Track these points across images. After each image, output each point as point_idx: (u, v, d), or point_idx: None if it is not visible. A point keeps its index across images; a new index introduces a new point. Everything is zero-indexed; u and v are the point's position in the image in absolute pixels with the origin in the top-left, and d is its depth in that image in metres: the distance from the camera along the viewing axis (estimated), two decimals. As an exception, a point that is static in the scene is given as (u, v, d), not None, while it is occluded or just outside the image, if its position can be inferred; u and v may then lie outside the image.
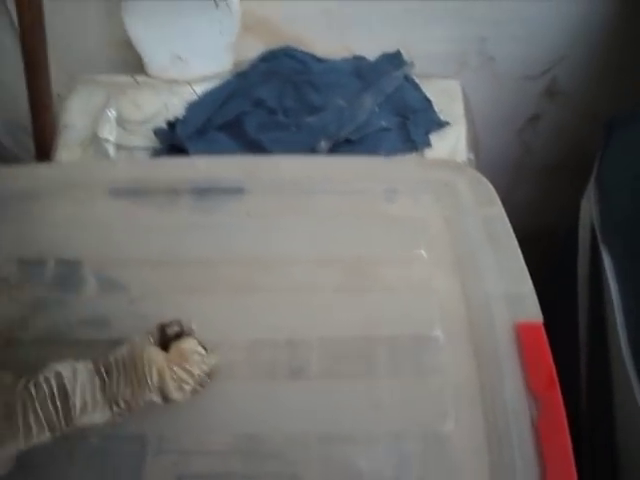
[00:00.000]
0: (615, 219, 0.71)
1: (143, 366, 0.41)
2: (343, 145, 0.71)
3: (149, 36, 0.76)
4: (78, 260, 0.51)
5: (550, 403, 0.43)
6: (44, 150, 0.77)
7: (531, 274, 0.90)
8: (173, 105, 0.76)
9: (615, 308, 0.65)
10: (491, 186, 0.55)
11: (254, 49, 0.80)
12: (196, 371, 0.42)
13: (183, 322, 0.44)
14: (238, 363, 0.46)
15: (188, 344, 0.42)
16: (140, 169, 0.57)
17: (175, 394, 0.41)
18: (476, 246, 0.49)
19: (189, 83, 0.77)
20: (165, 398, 0.41)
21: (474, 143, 0.77)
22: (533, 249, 0.91)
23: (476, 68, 0.86)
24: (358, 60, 0.79)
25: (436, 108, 0.75)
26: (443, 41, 0.84)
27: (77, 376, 0.40)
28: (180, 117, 0.72)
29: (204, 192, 0.54)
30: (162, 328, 0.44)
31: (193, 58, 0.77)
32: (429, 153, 0.73)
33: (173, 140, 0.71)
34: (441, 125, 0.74)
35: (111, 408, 0.41)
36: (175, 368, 0.41)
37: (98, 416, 0.41)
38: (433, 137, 0.74)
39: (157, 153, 0.72)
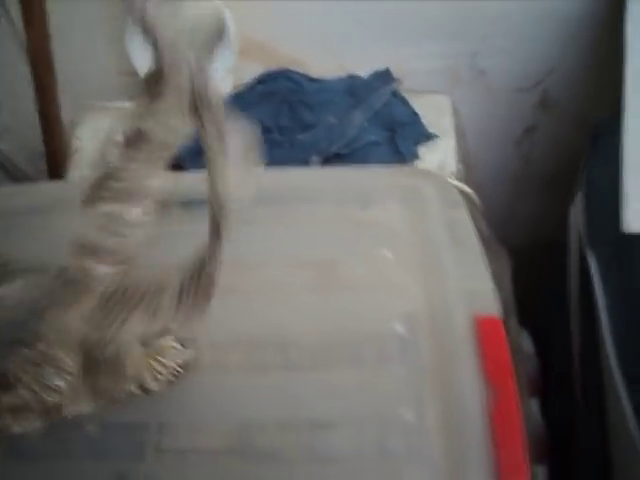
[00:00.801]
0: (600, 225, 0.73)
1: (119, 357, 0.45)
2: (334, 159, 0.74)
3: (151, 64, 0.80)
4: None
5: (504, 391, 0.46)
6: (57, 173, 0.82)
7: (533, 284, 0.92)
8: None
9: (601, 313, 0.67)
10: (456, 190, 0.58)
11: (252, 72, 0.84)
12: (170, 363, 0.46)
13: None
14: (223, 358, 0.49)
15: (165, 340, 0.46)
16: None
17: (151, 384, 0.45)
18: (439, 247, 0.52)
19: (191, 106, 0.81)
20: (142, 388, 0.45)
21: (464, 155, 0.80)
22: (535, 259, 0.94)
23: (469, 82, 0.89)
24: (351, 79, 0.82)
25: (425, 122, 0.78)
26: (435, 57, 0.87)
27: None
28: (180, 138, 0.76)
29: (190, 204, 0.57)
30: None
31: (194, 83, 0.81)
32: (418, 165, 0.76)
33: (174, 160, 0.75)
34: (429, 138, 0.77)
35: (94, 398, 0.45)
36: (150, 361, 0.45)
37: (84, 406, 0.45)
38: (422, 150, 0.77)
39: (159, 173, 0.76)
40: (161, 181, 0.41)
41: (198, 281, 0.45)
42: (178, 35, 0.43)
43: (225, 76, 0.82)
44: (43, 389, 0.44)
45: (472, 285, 0.50)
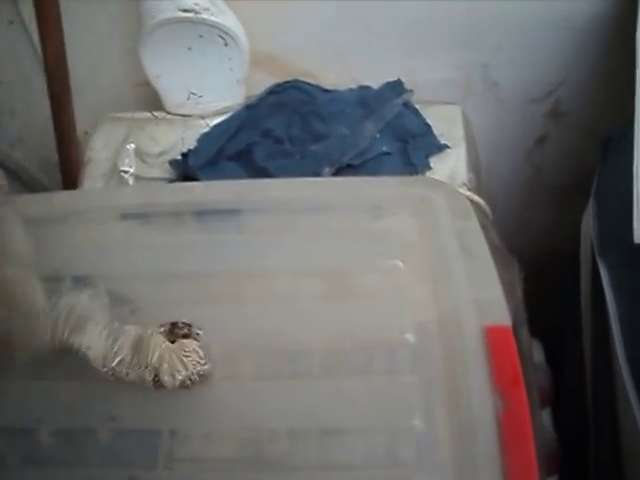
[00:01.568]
0: (611, 234, 0.73)
1: (147, 345, 0.46)
2: (346, 170, 0.74)
3: (165, 75, 0.81)
4: (92, 277, 0.55)
5: (514, 400, 0.46)
6: (71, 183, 0.83)
7: (545, 294, 0.92)
8: (188, 138, 0.81)
9: (612, 321, 0.67)
10: (467, 201, 0.58)
11: (264, 83, 0.85)
12: (190, 367, 0.46)
13: (192, 326, 0.49)
14: (234, 367, 0.50)
15: (190, 343, 0.47)
16: (147, 195, 0.61)
17: (166, 378, 0.46)
18: (449, 256, 0.52)
19: (203, 118, 0.82)
20: (156, 380, 0.46)
21: (475, 164, 0.80)
22: (547, 269, 0.94)
23: (481, 93, 0.90)
24: (363, 89, 0.82)
25: (436, 132, 0.79)
26: (447, 68, 0.88)
27: None
28: (192, 148, 0.77)
29: (203, 214, 0.58)
30: (172, 325, 0.49)
31: (207, 94, 0.82)
32: (430, 175, 0.76)
33: (186, 170, 0.76)
34: (441, 148, 0.77)
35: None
36: (173, 355, 0.46)
37: None
38: (433, 160, 0.77)
39: (171, 182, 0.77)
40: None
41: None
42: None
43: (237, 87, 0.83)
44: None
45: (482, 294, 0.50)
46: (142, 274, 0.55)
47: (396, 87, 0.81)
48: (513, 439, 0.45)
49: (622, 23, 0.81)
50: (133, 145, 0.81)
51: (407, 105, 0.79)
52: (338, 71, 0.86)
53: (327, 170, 0.74)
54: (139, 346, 0.47)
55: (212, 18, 0.77)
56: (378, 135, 0.76)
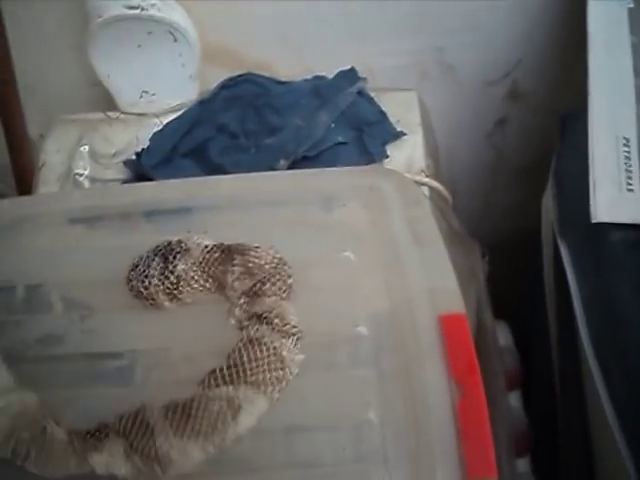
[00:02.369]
0: (570, 214, 0.73)
1: None
2: (301, 162, 0.74)
3: (115, 74, 0.80)
4: (44, 284, 0.54)
5: (470, 388, 0.46)
6: (26, 188, 0.81)
7: (511, 275, 0.92)
8: (143, 137, 0.80)
9: (574, 301, 0.67)
10: (418, 188, 0.58)
11: (218, 77, 0.84)
12: None
13: None
14: (176, 368, 0.49)
15: None
16: (96, 197, 0.60)
17: None
18: (401, 246, 0.52)
19: (157, 116, 0.81)
20: None
21: (432, 150, 0.80)
22: (512, 250, 0.94)
23: (437, 78, 0.89)
24: (317, 79, 0.82)
25: (392, 119, 0.78)
26: (401, 54, 0.87)
27: None
28: (145, 147, 0.76)
29: (153, 214, 0.57)
30: None
31: (159, 92, 0.81)
32: (387, 163, 0.75)
33: (140, 170, 0.75)
34: (397, 135, 0.76)
35: None
36: None
37: None
38: (390, 148, 0.76)
39: (125, 182, 0.76)
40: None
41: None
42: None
43: (189, 83, 0.82)
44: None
45: (436, 283, 0.50)
46: (93, 279, 0.54)
47: (350, 76, 0.80)
48: (470, 428, 0.44)
49: (573, 1, 0.81)
50: (87, 147, 0.79)
51: (361, 93, 0.78)
52: (292, 61, 0.86)
53: (282, 163, 0.73)
54: None
55: (160, 14, 0.76)
56: (333, 125, 0.76)
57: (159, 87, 0.81)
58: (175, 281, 0.50)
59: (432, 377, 0.46)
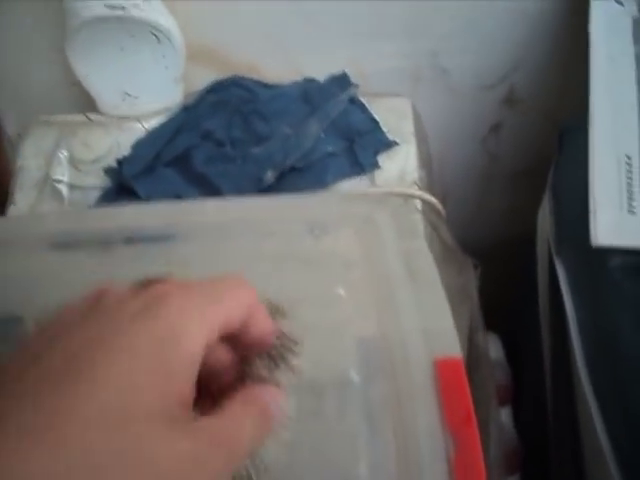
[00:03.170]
0: (567, 230, 0.70)
1: None
2: (290, 173, 0.71)
3: (95, 75, 0.76)
4: (18, 317, 0.51)
5: (466, 440, 0.43)
6: (2, 194, 0.78)
7: (504, 285, 0.90)
8: (124, 143, 0.76)
9: (570, 322, 0.65)
10: (414, 217, 0.55)
11: (203, 79, 0.80)
12: None
13: None
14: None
15: None
16: (74, 220, 0.57)
17: None
18: (396, 282, 0.49)
19: (139, 120, 0.78)
20: None
21: (426, 160, 0.77)
22: (505, 259, 0.92)
23: (431, 82, 0.86)
24: (307, 83, 0.78)
25: (385, 128, 0.75)
26: (395, 57, 0.84)
27: None
28: (127, 155, 0.73)
29: (133, 241, 0.54)
30: None
31: (142, 94, 0.78)
32: (378, 174, 0.73)
33: (121, 180, 0.72)
34: (389, 145, 0.73)
35: None
36: None
37: None
38: (382, 158, 0.74)
39: (108, 192, 0.72)
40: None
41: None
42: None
43: (173, 85, 0.78)
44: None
45: (431, 324, 0.47)
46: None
47: (341, 81, 0.77)
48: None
49: (574, 7, 0.78)
50: (65, 152, 0.76)
51: (353, 100, 0.75)
52: (281, 63, 0.82)
53: (270, 174, 0.70)
54: None
55: (142, 14, 0.72)
56: (323, 134, 0.73)
57: (142, 90, 0.78)
58: None
59: (426, 428, 0.44)
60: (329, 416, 0.45)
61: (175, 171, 0.72)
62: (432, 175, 0.77)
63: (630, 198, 0.64)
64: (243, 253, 0.51)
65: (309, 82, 0.79)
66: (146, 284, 0.43)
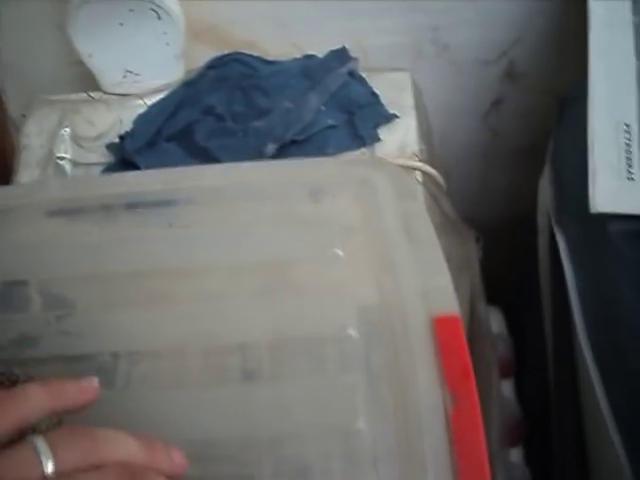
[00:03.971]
0: (568, 202, 0.70)
1: None
2: (290, 146, 0.71)
3: (97, 53, 0.77)
4: (23, 280, 0.52)
5: (464, 394, 0.44)
6: (5, 172, 0.79)
7: (506, 261, 0.90)
8: (126, 120, 0.77)
9: (570, 291, 0.65)
10: (411, 180, 0.56)
11: (205, 56, 0.81)
12: None
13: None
14: (165, 370, 0.47)
15: None
16: (75, 188, 0.58)
17: None
18: (393, 243, 0.50)
19: (141, 97, 0.78)
20: None
21: (426, 134, 0.77)
22: (508, 235, 0.92)
23: (431, 57, 0.86)
24: (307, 59, 0.79)
25: (385, 101, 0.75)
26: (395, 32, 0.84)
27: None
28: (129, 131, 0.73)
29: (134, 206, 0.55)
30: None
31: (144, 71, 0.78)
32: (379, 147, 0.73)
33: (124, 154, 0.72)
34: (389, 118, 0.74)
35: None
36: None
37: None
38: (382, 131, 0.74)
39: (111, 168, 0.73)
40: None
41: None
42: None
43: (175, 62, 0.79)
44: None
45: (429, 283, 0.48)
46: (73, 275, 0.52)
47: (341, 55, 0.77)
48: (463, 436, 0.43)
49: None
50: (68, 129, 0.77)
51: (353, 74, 0.76)
52: (282, 40, 0.83)
53: (271, 147, 0.70)
54: None
55: (142, -10, 0.72)
56: (323, 107, 0.73)
57: (143, 67, 0.78)
58: None
59: (425, 383, 0.44)
60: (329, 371, 0.46)
61: (177, 145, 0.72)
62: (433, 149, 0.77)
63: (629, 165, 0.65)
64: (242, 216, 0.52)
65: (309, 58, 0.79)
66: None
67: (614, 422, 0.57)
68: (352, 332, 0.46)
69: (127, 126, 0.77)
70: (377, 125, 0.73)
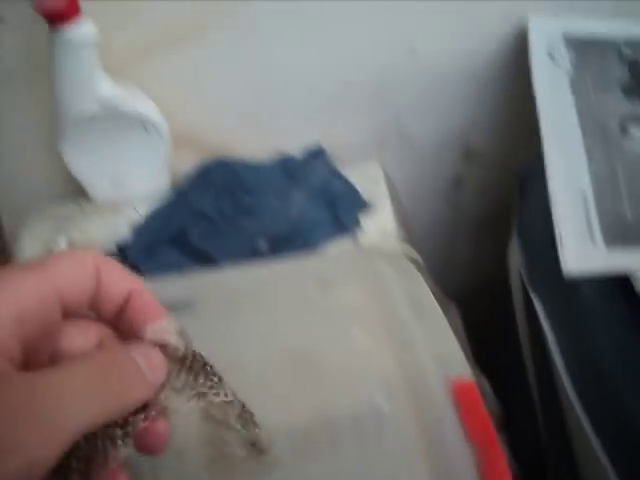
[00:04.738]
0: (539, 266, 0.77)
1: None
2: (281, 241, 0.76)
3: (87, 164, 0.81)
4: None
5: (492, 451, 0.48)
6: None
7: (483, 327, 0.96)
8: (119, 227, 0.81)
9: (553, 353, 0.71)
10: (413, 267, 0.61)
11: (186, 161, 0.86)
12: None
13: None
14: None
15: None
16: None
17: None
18: (405, 320, 0.55)
19: (131, 204, 0.83)
20: None
21: (402, 218, 0.83)
22: (483, 298, 0.98)
23: (395, 147, 0.94)
24: (285, 158, 0.85)
25: (361, 190, 0.82)
26: (361, 127, 0.91)
27: None
28: (128, 239, 0.78)
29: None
30: None
31: (132, 180, 0.83)
32: (361, 235, 0.79)
33: (123, 261, 0.76)
34: (367, 206, 0.80)
35: None
36: None
37: None
38: (362, 219, 0.80)
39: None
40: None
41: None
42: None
43: (161, 170, 0.84)
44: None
45: (442, 350, 0.53)
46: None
47: (317, 153, 0.84)
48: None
49: (516, 69, 0.87)
50: (65, 241, 0.80)
51: (330, 169, 0.82)
52: (258, 141, 0.89)
53: (263, 243, 0.75)
54: None
55: (131, 107, 0.78)
56: (306, 203, 0.79)
57: (131, 176, 0.83)
58: None
59: (454, 444, 0.48)
60: (368, 444, 0.49)
61: (174, 249, 0.76)
62: (409, 229, 0.83)
63: (590, 229, 0.72)
64: (261, 310, 0.56)
65: (285, 156, 0.85)
66: None
67: (610, 464, 0.61)
68: (382, 404, 0.51)
69: (120, 234, 0.81)
70: (357, 213, 0.79)
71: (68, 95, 0.76)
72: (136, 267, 0.74)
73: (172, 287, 0.60)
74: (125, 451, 0.33)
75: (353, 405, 0.51)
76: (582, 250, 0.70)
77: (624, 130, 0.78)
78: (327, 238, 0.77)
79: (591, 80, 0.82)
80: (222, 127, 0.88)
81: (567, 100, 0.81)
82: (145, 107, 0.79)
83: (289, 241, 0.76)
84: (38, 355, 0.32)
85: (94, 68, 0.74)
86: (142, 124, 0.79)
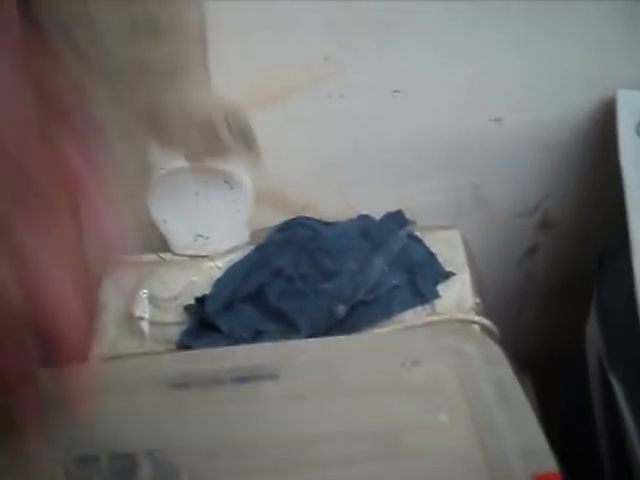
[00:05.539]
0: (620, 348, 0.76)
1: None
2: (359, 306, 0.77)
3: (171, 219, 0.83)
4: (133, 452, 0.56)
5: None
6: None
7: (546, 394, 0.95)
8: (198, 281, 0.83)
9: (632, 436, 0.70)
10: (498, 347, 0.61)
11: (266, 218, 0.87)
12: None
13: None
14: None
15: None
16: (188, 361, 0.63)
17: None
18: (490, 406, 0.54)
19: (211, 259, 0.84)
20: None
21: (479, 287, 0.83)
22: (546, 369, 0.96)
23: (471, 211, 0.94)
24: (363, 219, 0.86)
25: (440, 259, 0.82)
26: (439, 191, 0.92)
27: None
28: (208, 293, 0.79)
29: (243, 380, 0.60)
30: None
31: (213, 236, 0.85)
32: (438, 303, 0.79)
33: (202, 315, 0.77)
34: (447, 276, 0.80)
35: None
36: None
37: None
38: (440, 287, 0.80)
39: (189, 328, 0.78)
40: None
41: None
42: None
43: (242, 227, 0.85)
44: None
45: (527, 443, 0.52)
46: (189, 446, 0.55)
47: (398, 218, 0.84)
48: None
49: (602, 140, 0.87)
50: (146, 290, 0.82)
51: (411, 236, 0.82)
52: (335, 201, 0.90)
53: (341, 308, 0.76)
54: None
55: (218, 165, 0.80)
56: (386, 268, 0.79)
57: (213, 231, 0.85)
58: None
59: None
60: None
61: (252, 306, 0.77)
62: (485, 300, 0.83)
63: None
64: (346, 386, 0.57)
65: (365, 219, 0.86)
66: None
67: None
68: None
69: (199, 287, 0.82)
70: (436, 283, 0.79)
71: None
72: (212, 324, 0.76)
73: (259, 356, 0.60)
74: None
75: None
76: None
77: None
78: (405, 306, 0.77)
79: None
80: (302, 187, 0.89)
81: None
82: (231, 164, 0.81)
83: (367, 307, 0.77)
84: None
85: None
86: (227, 181, 0.81)
